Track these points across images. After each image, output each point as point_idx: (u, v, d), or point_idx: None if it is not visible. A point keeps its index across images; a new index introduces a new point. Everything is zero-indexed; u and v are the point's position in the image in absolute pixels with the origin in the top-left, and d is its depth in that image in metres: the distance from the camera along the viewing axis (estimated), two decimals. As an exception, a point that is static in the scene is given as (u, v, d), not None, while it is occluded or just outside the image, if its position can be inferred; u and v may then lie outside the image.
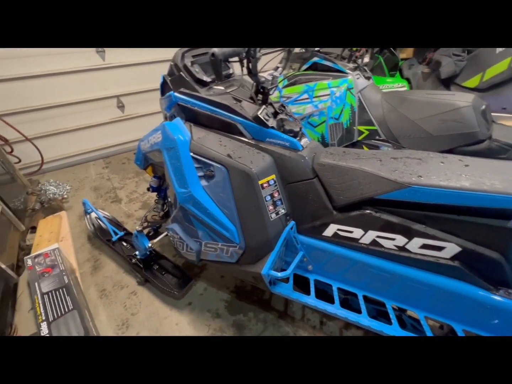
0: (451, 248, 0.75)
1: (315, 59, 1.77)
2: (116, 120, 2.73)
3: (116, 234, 1.68)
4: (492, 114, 1.48)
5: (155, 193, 1.43)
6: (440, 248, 0.76)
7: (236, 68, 1.09)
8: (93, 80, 2.45)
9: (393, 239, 0.83)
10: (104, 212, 1.83)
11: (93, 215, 1.78)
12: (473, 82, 2.12)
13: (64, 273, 1.40)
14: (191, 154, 0.96)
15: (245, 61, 0.85)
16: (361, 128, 1.72)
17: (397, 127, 1.59)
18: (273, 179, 0.96)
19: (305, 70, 1.86)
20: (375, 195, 0.81)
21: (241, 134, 0.99)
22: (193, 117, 1.04)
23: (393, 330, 0.84)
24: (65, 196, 2.19)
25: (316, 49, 1.83)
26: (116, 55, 2.46)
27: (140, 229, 1.34)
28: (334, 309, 0.92)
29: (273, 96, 1.13)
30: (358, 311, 0.92)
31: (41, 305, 1.26)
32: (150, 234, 1.53)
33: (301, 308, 1.43)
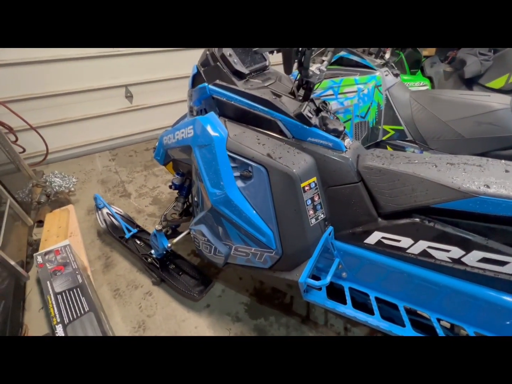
0: (515, 264, 0.70)
1: (342, 53, 1.69)
2: (124, 110, 2.62)
3: (129, 231, 1.61)
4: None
5: (177, 191, 1.35)
6: (503, 263, 0.71)
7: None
8: (101, 67, 2.34)
9: (448, 251, 0.78)
10: (116, 208, 1.75)
11: (105, 210, 1.70)
12: (498, 83, 2.05)
13: (77, 272, 1.33)
14: (228, 152, 0.89)
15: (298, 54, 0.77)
16: (387, 127, 1.66)
17: (426, 128, 1.53)
18: (314, 181, 0.89)
19: (330, 64, 1.78)
20: (432, 203, 0.75)
21: (281, 132, 0.92)
22: (228, 112, 0.96)
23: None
24: (72, 189, 2.10)
25: None
26: (126, 41, 2.34)
27: (159, 228, 1.27)
28: (376, 321, 0.87)
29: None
30: (391, 320, 0.87)
31: (54, 306, 1.19)
32: (168, 233, 1.46)
33: (323, 312, 1.39)
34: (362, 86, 1.59)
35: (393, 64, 1.73)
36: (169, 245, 1.30)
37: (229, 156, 0.89)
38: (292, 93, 0.94)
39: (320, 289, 0.99)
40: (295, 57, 0.75)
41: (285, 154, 0.87)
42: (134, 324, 1.32)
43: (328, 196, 0.93)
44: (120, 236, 1.61)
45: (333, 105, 1.65)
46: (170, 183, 1.32)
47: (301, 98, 0.93)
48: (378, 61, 1.66)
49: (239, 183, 0.91)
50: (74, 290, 1.26)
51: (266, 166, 0.86)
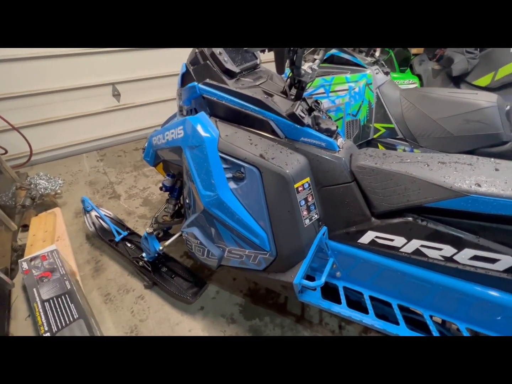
0: (506, 261, 0.71)
1: (333, 51, 1.69)
2: (112, 109, 2.55)
3: (119, 234, 1.57)
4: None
5: (168, 193, 1.32)
6: (493, 260, 0.72)
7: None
8: (86, 65, 2.26)
9: (440, 249, 0.78)
10: (105, 210, 1.70)
11: (93, 213, 1.65)
12: (484, 80, 2.10)
13: (65, 278, 1.29)
14: (219, 153, 0.87)
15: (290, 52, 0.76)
16: (378, 125, 1.67)
17: (416, 125, 1.54)
18: (307, 182, 0.89)
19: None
20: (424, 202, 0.76)
21: (273, 132, 0.90)
22: (218, 112, 0.94)
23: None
24: (58, 191, 2.03)
25: None
26: (112, 38, 2.27)
27: (150, 231, 1.24)
28: (371, 320, 0.87)
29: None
30: (384, 317, 0.88)
31: (42, 314, 1.15)
32: (160, 235, 1.43)
33: (318, 312, 1.39)
34: (353, 84, 1.59)
35: (383, 62, 1.74)
36: (160, 248, 1.27)
37: (221, 157, 0.87)
38: (284, 92, 0.92)
39: (315, 289, 0.99)
40: (287, 56, 0.73)
41: (278, 155, 0.86)
42: (126, 329, 1.29)
43: (321, 197, 0.93)
44: (110, 239, 1.57)
45: (325, 103, 1.64)
46: (161, 185, 1.29)
47: (293, 97, 0.92)
48: (369, 59, 1.66)
49: (232, 185, 0.89)
50: (62, 296, 1.21)
51: (259, 167, 0.84)
